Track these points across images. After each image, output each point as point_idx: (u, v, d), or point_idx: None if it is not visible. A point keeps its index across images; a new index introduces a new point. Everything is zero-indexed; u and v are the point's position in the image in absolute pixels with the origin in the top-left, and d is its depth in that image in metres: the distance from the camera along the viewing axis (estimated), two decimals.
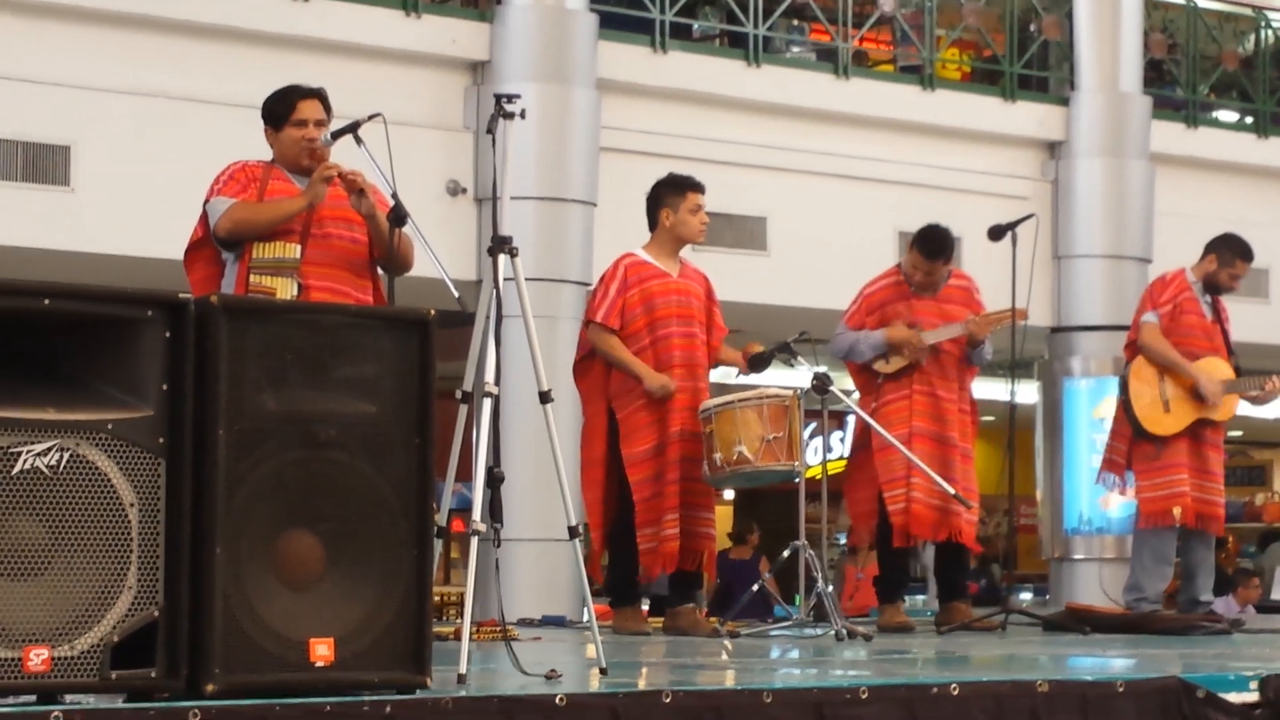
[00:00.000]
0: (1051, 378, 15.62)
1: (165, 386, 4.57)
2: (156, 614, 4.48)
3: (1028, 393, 15.88)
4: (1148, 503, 10.00)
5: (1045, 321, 14.94)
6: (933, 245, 9.36)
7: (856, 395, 9.72)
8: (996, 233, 9.65)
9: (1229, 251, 10.22)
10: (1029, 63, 15.62)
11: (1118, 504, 14.85)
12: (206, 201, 7.06)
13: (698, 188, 8.91)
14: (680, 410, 8.71)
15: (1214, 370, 9.93)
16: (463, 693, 4.95)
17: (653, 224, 8.92)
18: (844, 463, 9.39)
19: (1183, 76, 16.36)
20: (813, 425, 9.38)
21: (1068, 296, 15.32)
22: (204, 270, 7.09)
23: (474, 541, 5.68)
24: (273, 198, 7.02)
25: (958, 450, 9.33)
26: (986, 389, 9.82)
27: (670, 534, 8.68)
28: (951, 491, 8.99)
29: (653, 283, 8.82)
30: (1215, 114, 17.10)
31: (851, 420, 9.78)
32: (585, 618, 7.92)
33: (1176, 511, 9.87)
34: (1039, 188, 15.37)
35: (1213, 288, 10.16)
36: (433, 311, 4.97)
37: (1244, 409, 10.40)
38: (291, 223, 6.97)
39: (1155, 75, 16.35)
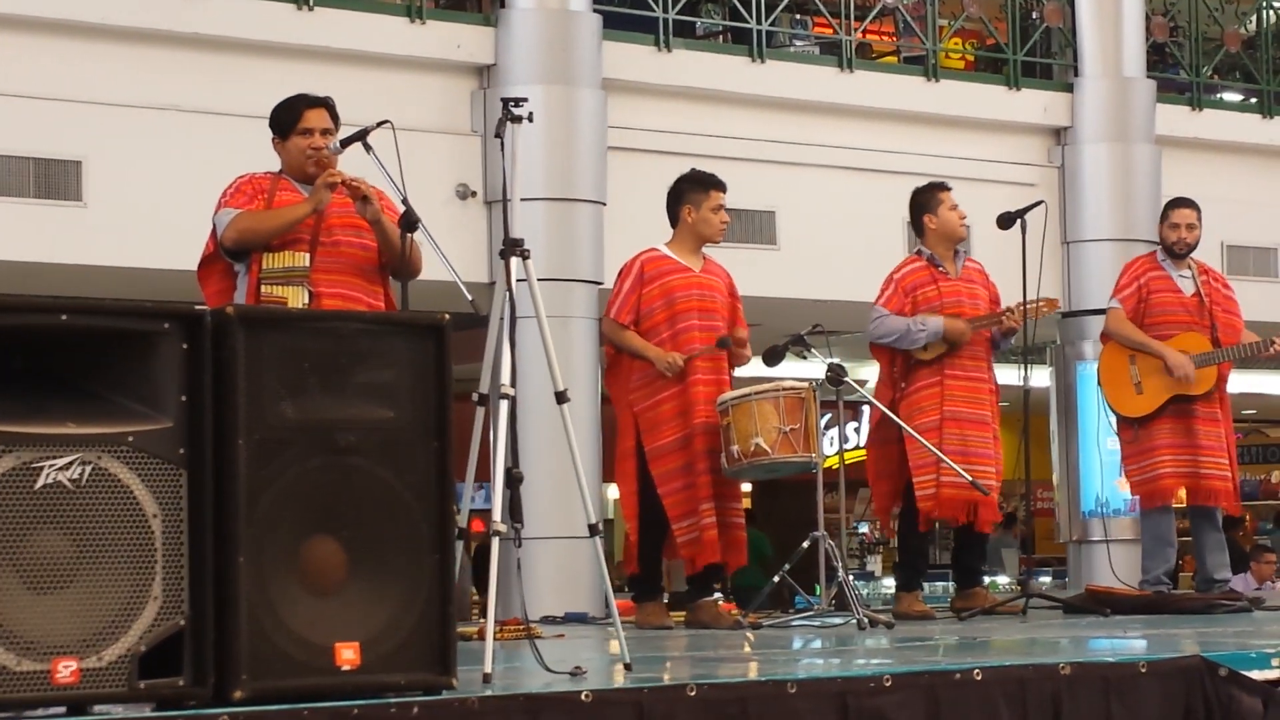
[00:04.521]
0: (1064, 362, 15.62)
1: (184, 398, 4.59)
2: (182, 623, 4.51)
3: (1041, 378, 15.89)
4: (1135, 486, 10.07)
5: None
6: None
7: (871, 384, 9.75)
8: (1006, 220, 9.67)
9: (1163, 209, 10.26)
10: (1032, 50, 15.61)
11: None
12: (214, 214, 7.11)
13: (720, 186, 9.00)
14: (704, 403, 8.76)
15: (1185, 346, 9.90)
16: (488, 692, 4.97)
17: (674, 220, 9.02)
18: (863, 451, 9.41)
19: (1186, 59, 16.34)
20: (828, 416, 9.40)
21: (1078, 281, 15.31)
22: (218, 284, 7.14)
23: (495, 542, 5.71)
24: (279, 207, 7.07)
25: (991, 430, 9.40)
26: (1000, 375, 9.86)
27: (709, 523, 8.75)
28: (969, 479, 9.01)
29: (673, 277, 8.89)
30: (1219, 95, 17.08)
31: (867, 411, 9.77)
32: (608, 614, 7.95)
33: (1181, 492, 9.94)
34: (1046, 174, 15.37)
35: (1175, 253, 10.10)
36: (447, 315, 5.00)
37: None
38: (300, 231, 7.02)
39: (1158, 59, 16.33)
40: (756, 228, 13.82)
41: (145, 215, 11.69)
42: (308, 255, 7.00)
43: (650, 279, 8.88)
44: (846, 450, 9.48)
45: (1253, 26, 16.96)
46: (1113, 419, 10.18)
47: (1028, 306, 9.33)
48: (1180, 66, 16.39)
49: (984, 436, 9.36)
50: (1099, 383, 10.15)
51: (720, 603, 9.28)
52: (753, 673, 6.11)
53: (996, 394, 9.55)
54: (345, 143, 7.09)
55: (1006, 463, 9.81)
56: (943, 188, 9.62)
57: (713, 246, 9.15)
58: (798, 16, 15.35)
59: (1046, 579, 17.40)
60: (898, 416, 9.15)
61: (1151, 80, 15.64)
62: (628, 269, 8.99)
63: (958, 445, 9.18)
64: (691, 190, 9.00)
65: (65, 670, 4.35)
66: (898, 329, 9.33)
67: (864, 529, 20.93)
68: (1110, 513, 14.70)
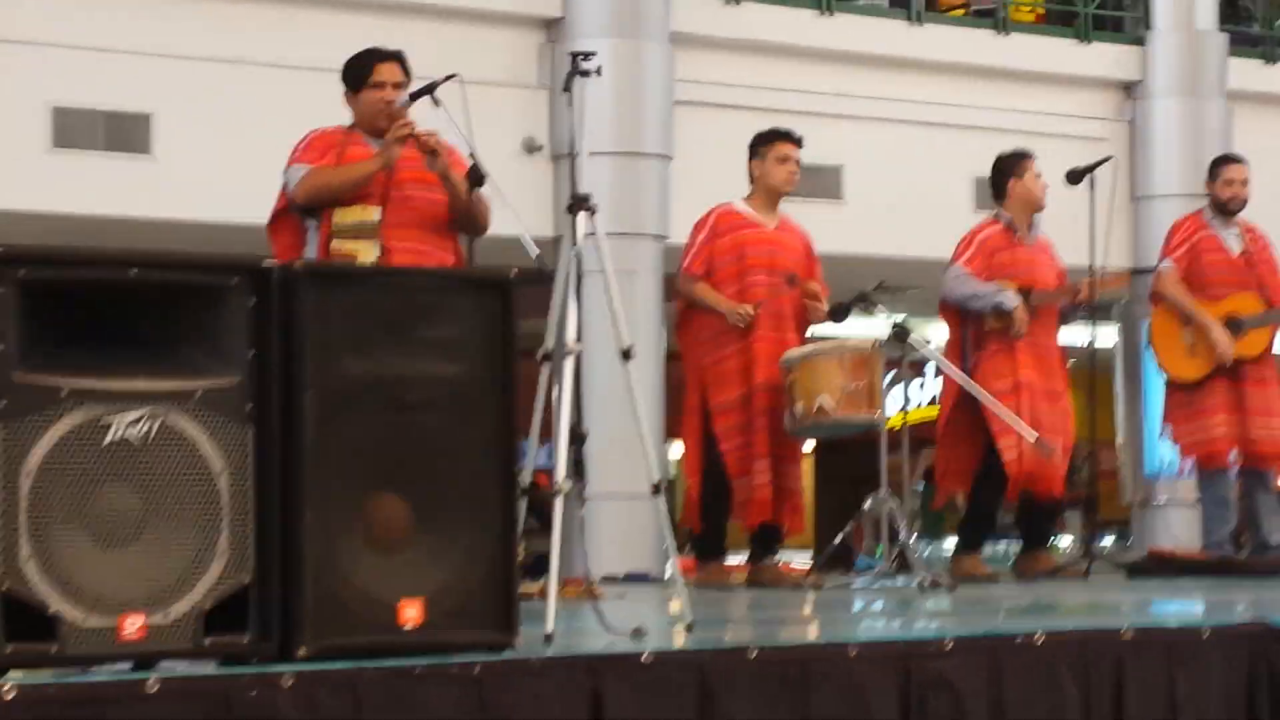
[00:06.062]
0: (1132, 320, 15.52)
1: (251, 353, 4.59)
2: (248, 580, 4.51)
3: (1108, 336, 15.81)
4: (1187, 449, 9.93)
5: (1125, 263, 14.84)
6: None
7: (935, 344, 9.70)
8: (1074, 176, 9.61)
9: (1212, 166, 10.11)
10: (1103, 3, 15.50)
11: None
12: (285, 170, 7.12)
13: (786, 137, 9.05)
14: (766, 362, 8.77)
15: (1239, 308, 9.77)
16: (550, 652, 4.97)
17: (751, 177, 9.07)
18: (927, 410, 9.38)
19: (1259, 12, 16.20)
20: (892, 374, 9.35)
21: (1146, 238, 15.18)
22: (288, 239, 7.17)
23: (559, 500, 5.71)
24: (350, 162, 7.08)
25: (1062, 404, 9.36)
26: (1066, 333, 9.82)
27: (762, 482, 8.76)
28: (1032, 437, 8.92)
29: (745, 232, 8.95)
30: None
31: (932, 370, 9.73)
32: (669, 573, 7.96)
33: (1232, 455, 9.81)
34: (1116, 129, 15.27)
35: (1225, 210, 9.96)
36: (514, 271, 4.99)
37: None
38: (371, 186, 7.03)
39: (1231, 12, 16.20)
40: (822, 182, 13.77)
41: (214, 169, 11.73)
42: (379, 210, 7.02)
43: (723, 232, 8.96)
44: (910, 410, 9.41)
45: None
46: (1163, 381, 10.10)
47: (1100, 283, 9.29)
48: (1253, 19, 16.24)
49: (1055, 409, 9.31)
50: (1150, 344, 10.04)
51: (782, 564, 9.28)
52: (813, 635, 6.11)
53: (1065, 364, 9.52)
54: (414, 96, 7.11)
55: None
56: (1028, 155, 9.56)
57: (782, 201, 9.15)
58: None
59: (1110, 541, 17.34)
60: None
61: (1224, 34, 15.51)
62: (702, 222, 9.06)
63: (1033, 414, 9.11)
64: (758, 143, 9.12)
65: (132, 626, 4.37)
66: (969, 290, 9.27)
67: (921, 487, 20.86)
68: (1175, 474, 14.60)
